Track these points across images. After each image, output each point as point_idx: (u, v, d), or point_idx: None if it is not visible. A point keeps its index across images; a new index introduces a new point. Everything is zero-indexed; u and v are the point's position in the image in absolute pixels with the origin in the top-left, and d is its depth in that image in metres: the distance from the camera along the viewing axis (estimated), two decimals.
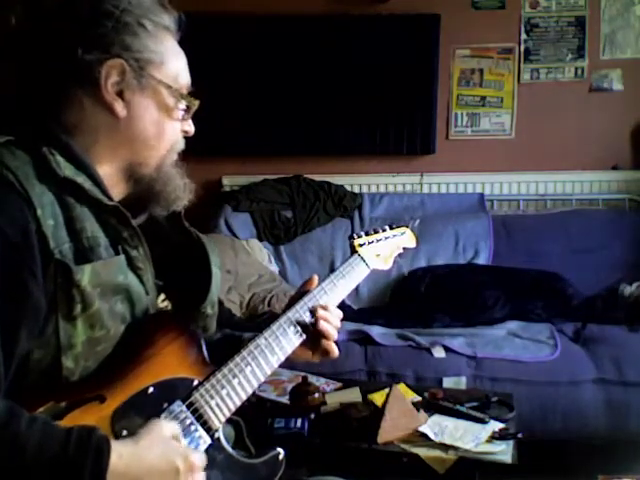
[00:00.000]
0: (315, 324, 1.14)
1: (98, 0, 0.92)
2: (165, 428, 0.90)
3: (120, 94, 0.94)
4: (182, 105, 1.00)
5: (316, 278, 1.22)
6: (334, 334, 1.16)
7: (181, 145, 1.04)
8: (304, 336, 1.14)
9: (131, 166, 0.98)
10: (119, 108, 0.94)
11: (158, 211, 1.06)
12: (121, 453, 0.82)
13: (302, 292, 1.20)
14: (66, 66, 0.92)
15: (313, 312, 1.16)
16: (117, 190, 0.98)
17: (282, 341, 1.10)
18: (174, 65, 0.99)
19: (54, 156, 0.89)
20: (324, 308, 1.17)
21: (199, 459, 0.91)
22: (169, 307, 1.08)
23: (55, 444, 0.78)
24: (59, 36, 0.92)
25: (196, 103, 1.02)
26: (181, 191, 1.03)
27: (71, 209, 0.88)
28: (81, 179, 0.91)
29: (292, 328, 1.13)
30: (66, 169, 0.90)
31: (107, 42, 0.92)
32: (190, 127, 1.04)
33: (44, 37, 0.93)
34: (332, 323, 1.16)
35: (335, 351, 1.17)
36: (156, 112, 0.97)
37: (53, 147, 0.90)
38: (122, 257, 0.94)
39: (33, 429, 0.77)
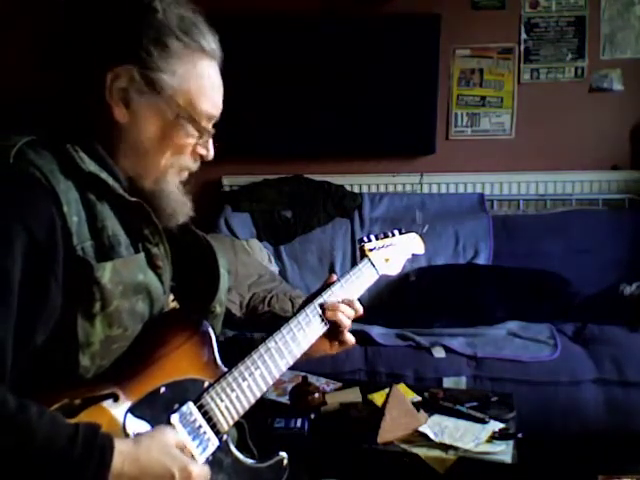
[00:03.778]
0: (326, 315, 1.17)
1: (128, 9, 0.92)
2: (169, 435, 0.90)
3: (125, 101, 0.93)
4: (191, 129, 0.98)
5: (334, 275, 1.25)
6: (346, 323, 1.18)
7: (190, 166, 1.03)
8: (328, 325, 1.16)
9: (132, 178, 0.98)
10: (118, 113, 0.93)
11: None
12: (121, 451, 0.83)
13: (315, 293, 1.21)
14: (82, 68, 0.93)
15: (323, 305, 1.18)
16: None
17: (291, 345, 1.11)
18: (194, 90, 0.97)
19: (78, 153, 0.90)
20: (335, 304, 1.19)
21: (199, 471, 0.90)
22: (177, 307, 1.08)
23: (64, 436, 0.79)
24: (78, 36, 0.93)
25: (208, 129, 1.00)
26: (179, 208, 1.02)
27: (93, 207, 0.89)
28: (104, 175, 0.92)
29: (313, 319, 1.15)
30: (90, 165, 0.91)
31: (122, 51, 0.92)
32: (205, 151, 1.03)
33: (65, 36, 0.95)
34: (344, 313, 1.18)
35: (351, 340, 1.20)
36: (158, 127, 0.96)
37: (76, 144, 0.91)
38: (142, 255, 0.95)
39: (43, 420, 0.79)
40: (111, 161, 0.94)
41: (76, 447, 0.78)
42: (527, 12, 3.41)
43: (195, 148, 1.02)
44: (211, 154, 1.04)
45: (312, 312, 1.16)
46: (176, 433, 0.92)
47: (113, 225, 0.91)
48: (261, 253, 3.24)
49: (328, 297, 1.20)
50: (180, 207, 1.02)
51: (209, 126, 1.01)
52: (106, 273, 0.88)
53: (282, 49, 3.45)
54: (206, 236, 1.14)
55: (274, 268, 3.23)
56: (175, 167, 1.00)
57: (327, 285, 1.22)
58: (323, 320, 1.17)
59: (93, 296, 0.87)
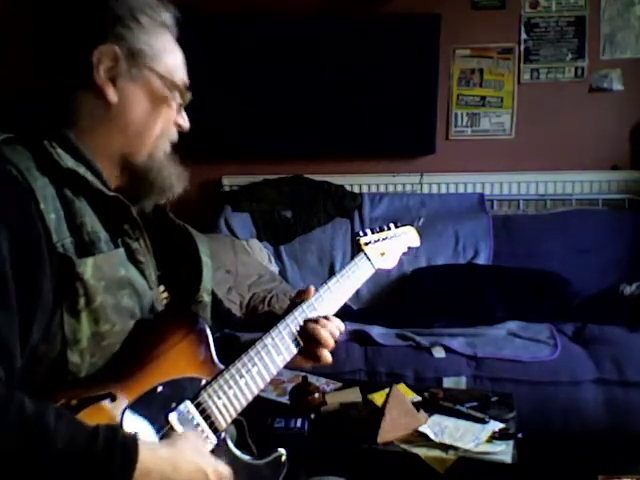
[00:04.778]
0: (314, 331, 1.14)
1: None
2: (197, 434, 0.94)
3: (113, 81, 0.95)
4: (176, 96, 1.01)
5: (312, 289, 1.22)
6: (331, 343, 1.15)
7: (174, 136, 1.05)
8: (301, 344, 1.14)
9: (125, 156, 0.99)
10: (110, 93, 0.95)
11: (153, 201, 1.06)
12: (158, 455, 0.85)
13: (300, 300, 1.19)
14: (61, 54, 0.94)
15: (314, 320, 1.16)
16: (112, 182, 0.99)
17: (288, 341, 1.11)
18: (169, 61, 1.00)
19: (55, 149, 0.90)
20: (326, 318, 1.17)
21: (227, 472, 0.94)
22: (167, 299, 1.08)
23: (84, 437, 0.79)
24: (54, 28, 0.95)
25: (189, 96, 1.03)
26: (175, 179, 1.04)
27: (71, 204, 0.89)
28: (82, 170, 0.92)
29: (291, 334, 1.13)
30: (68, 161, 0.91)
31: (101, 31, 0.94)
32: (184, 122, 1.05)
33: (40, 30, 0.96)
34: (331, 332, 1.16)
35: (328, 359, 1.16)
36: (148, 101, 0.98)
37: (53, 140, 0.91)
38: (121, 250, 0.95)
39: (62, 422, 0.79)
40: (89, 155, 0.94)
41: (98, 445, 0.79)
42: (527, 12, 3.41)
43: (176, 120, 1.04)
44: (188, 124, 1.06)
45: (306, 311, 1.16)
46: (199, 431, 0.95)
47: (92, 221, 0.91)
48: (261, 253, 3.24)
49: (324, 292, 1.20)
50: (176, 177, 1.04)
51: (187, 98, 1.04)
52: (88, 269, 0.88)
53: (282, 49, 3.45)
54: (186, 225, 1.15)
55: (274, 268, 3.23)
56: (164, 138, 1.02)
57: (300, 300, 1.19)
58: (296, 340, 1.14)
59: (77, 292, 0.87)
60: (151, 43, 0.97)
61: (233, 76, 3.49)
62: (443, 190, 3.52)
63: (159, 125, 1.00)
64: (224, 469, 0.93)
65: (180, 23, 1.03)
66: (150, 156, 1.00)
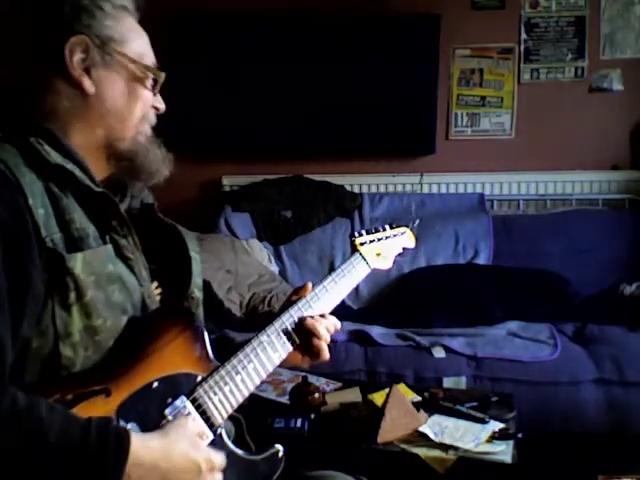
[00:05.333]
0: (310, 325, 1.14)
1: None
2: (192, 425, 0.93)
3: (87, 71, 0.96)
4: (149, 78, 1.02)
5: (310, 285, 1.22)
6: (327, 336, 1.16)
7: (153, 120, 1.06)
8: (297, 341, 1.14)
9: (109, 145, 1.00)
10: (87, 84, 0.95)
11: (140, 188, 1.07)
12: (150, 447, 0.85)
13: (297, 297, 1.20)
14: (33, 51, 0.95)
15: (309, 316, 1.16)
16: (99, 173, 1.00)
17: (283, 338, 1.12)
18: (137, 44, 1.01)
19: (42, 146, 0.91)
20: (322, 316, 1.18)
21: (220, 460, 0.94)
22: (161, 295, 1.08)
23: (77, 429, 0.80)
24: (21, 24, 0.95)
25: (162, 75, 1.04)
26: (161, 162, 1.05)
27: (59, 200, 0.90)
28: (70, 166, 0.92)
29: (287, 331, 1.13)
30: (56, 157, 0.91)
31: (67, 23, 0.94)
32: (161, 104, 1.06)
33: (8, 28, 0.96)
34: (327, 327, 1.16)
35: (326, 354, 1.17)
36: (124, 86, 0.99)
37: (40, 137, 0.92)
38: (110, 246, 0.95)
39: (54, 415, 0.79)
40: (76, 151, 0.95)
41: (91, 437, 0.79)
42: (527, 12, 3.41)
43: (153, 102, 1.05)
44: (164, 106, 1.07)
45: (302, 309, 1.16)
46: (196, 422, 0.95)
47: (80, 218, 0.92)
48: (261, 253, 3.24)
49: (320, 291, 1.20)
50: (162, 160, 1.05)
51: (161, 78, 1.04)
52: (77, 264, 0.88)
53: (282, 48, 3.46)
54: (174, 223, 1.15)
55: (274, 268, 3.23)
56: (145, 122, 1.04)
57: (297, 298, 1.19)
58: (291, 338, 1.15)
59: (67, 287, 0.87)
60: (117, 28, 0.98)
61: (233, 76, 3.48)
62: (443, 190, 3.52)
63: (138, 109, 1.01)
64: (217, 458, 0.93)
65: (142, 4, 1.04)
66: (133, 141, 1.01)
